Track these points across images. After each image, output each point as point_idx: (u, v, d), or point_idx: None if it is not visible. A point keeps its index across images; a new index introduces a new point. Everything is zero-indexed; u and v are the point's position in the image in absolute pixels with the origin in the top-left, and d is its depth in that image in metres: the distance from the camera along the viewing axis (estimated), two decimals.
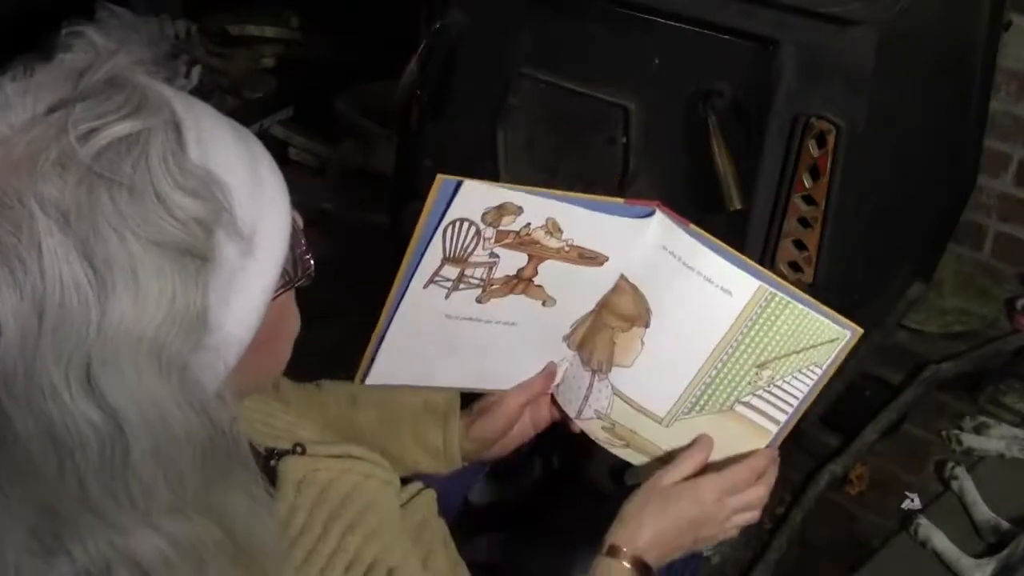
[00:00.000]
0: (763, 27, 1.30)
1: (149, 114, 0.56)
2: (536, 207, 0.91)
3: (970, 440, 1.85)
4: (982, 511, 1.68)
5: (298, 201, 0.68)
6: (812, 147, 1.31)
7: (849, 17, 1.24)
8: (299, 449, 0.80)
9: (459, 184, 0.89)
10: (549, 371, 1.03)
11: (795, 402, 0.93)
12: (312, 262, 0.66)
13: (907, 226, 1.79)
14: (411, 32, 1.61)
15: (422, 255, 0.93)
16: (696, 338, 0.94)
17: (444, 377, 1.03)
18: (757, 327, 0.91)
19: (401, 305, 0.96)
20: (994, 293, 2.23)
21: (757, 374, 0.92)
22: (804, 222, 1.36)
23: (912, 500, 1.76)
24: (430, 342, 0.99)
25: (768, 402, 0.94)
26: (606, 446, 1.01)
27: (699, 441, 0.95)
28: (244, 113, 2.63)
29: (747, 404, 0.94)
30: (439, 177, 0.91)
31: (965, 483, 1.74)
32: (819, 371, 0.92)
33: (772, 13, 1.28)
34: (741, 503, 0.91)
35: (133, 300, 0.52)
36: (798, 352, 0.92)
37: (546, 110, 1.48)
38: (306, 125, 2.77)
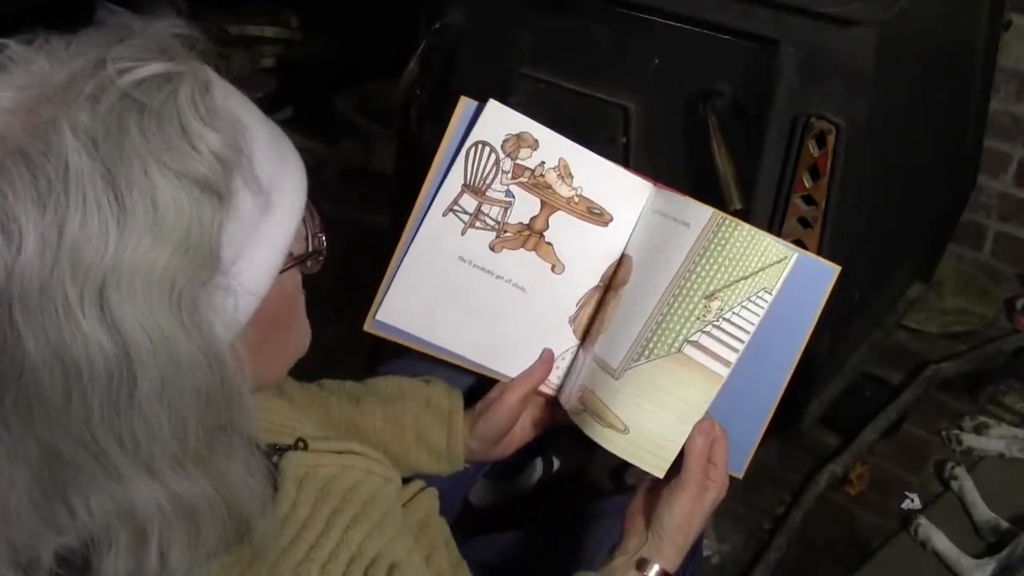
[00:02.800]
0: (763, 27, 1.30)
1: (182, 62, 0.59)
2: (551, 145, 1.00)
3: (970, 440, 1.85)
4: (982, 511, 1.69)
5: None
6: (812, 147, 1.31)
7: (849, 17, 1.24)
8: (301, 445, 0.80)
9: (482, 105, 0.99)
10: (546, 358, 1.03)
11: (746, 337, 0.90)
12: (324, 241, 0.69)
13: (907, 226, 1.79)
14: (411, 32, 1.61)
15: (443, 179, 1.00)
16: (656, 277, 0.95)
17: (449, 337, 1.04)
18: (708, 253, 0.91)
19: (419, 232, 1.02)
20: (994, 293, 2.23)
21: (706, 306, 0.91)
22: (804, 222, 1.36)
23: (912, 500, 1.76)
24: (442, 286, 1.02)
25: (717, 340, 0.91)
26: (573, 418, 0.99)
27: (694, 433, 0.90)
28: None
29: (696, 344, 0.91)
30: (462, 99, 1.01)
31: (965, 483, 1.74)
32: (768, 298, 0.90)
33: (772, 13, 1.28)
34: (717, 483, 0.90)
35: (150, 227, 0.54)
36: (746, 277, 0.90)
37: (546, 110, 1.47)
38: (306, 125, 2.77)
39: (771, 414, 0.98)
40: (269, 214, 0.62)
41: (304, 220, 0.66)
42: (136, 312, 0.54)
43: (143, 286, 0.54)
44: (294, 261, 0.66)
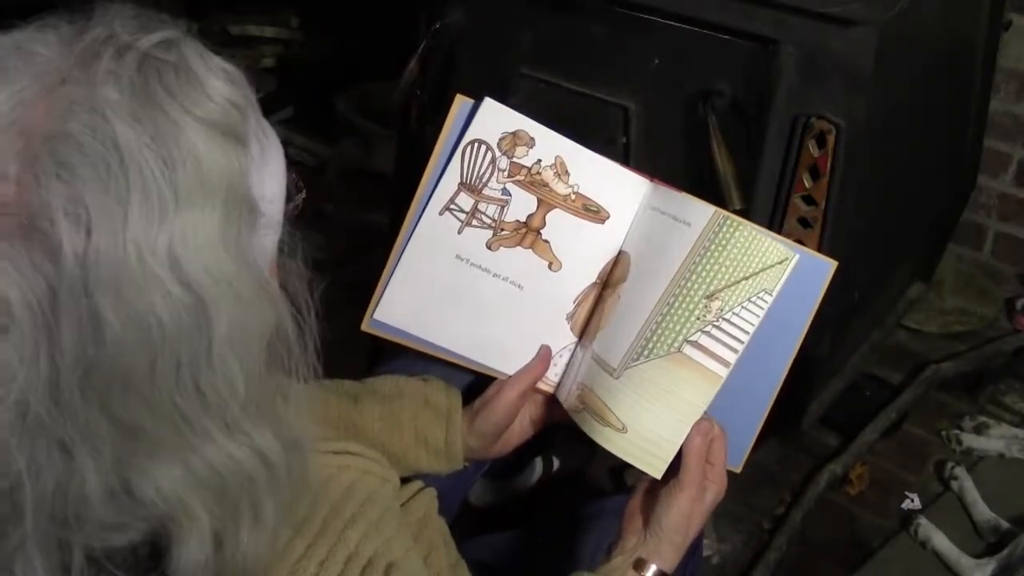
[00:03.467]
0: (763, 27, 1.30)
1: (176, 29, 0.61)
2: (547, 142, 1.01)
3: (970, 440, 1.85)
4: (982, 511, 1.69)
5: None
6: (812, 147, 1.31)
7: (849, 17, 1.24)
8: None
9: (478, 103, 1.00)
10: (544, 355, 1.03)
11: (745, 338, 0.90)
12: (304, 190, 0.71)
13: (907, 226, 1.79)
14: (411, 32, 1.61)
15: (439, 177, 1.01)
16: (656, 276, 0.95)
17: (446, 335, 1.04)
18: (709, 253, 0.91)
19: (416, 231, 1.02)
20: (994, 293, 2.23)
21: (706, 306, 0.91)
22: (804, 222, 1.36)
23: (912, 500, 1.76)
24: (439, 285, 1.02)
25: (717, 340, 0.91)
26: (572, 415, 0.99)
27: (692, 433, 0.90)
28: None
29: (695, 344, 0.91)
30: (458, 97, 1.02)
31: (965, 483, 1.74)
32: (769, 299, 0.90)
33: (772, 13, 1.28)
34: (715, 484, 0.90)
35: (200, 181, 0.56)
36: (747, 278, 0.90)
37: (546, 110, 1.47)
38: (306, 125, 2.77)
39: (769, 409, 0.99)
40: (267, 155, 0.64)
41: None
42: (202, 262, 0.55)
43: (203, 237, 0.55)
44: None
